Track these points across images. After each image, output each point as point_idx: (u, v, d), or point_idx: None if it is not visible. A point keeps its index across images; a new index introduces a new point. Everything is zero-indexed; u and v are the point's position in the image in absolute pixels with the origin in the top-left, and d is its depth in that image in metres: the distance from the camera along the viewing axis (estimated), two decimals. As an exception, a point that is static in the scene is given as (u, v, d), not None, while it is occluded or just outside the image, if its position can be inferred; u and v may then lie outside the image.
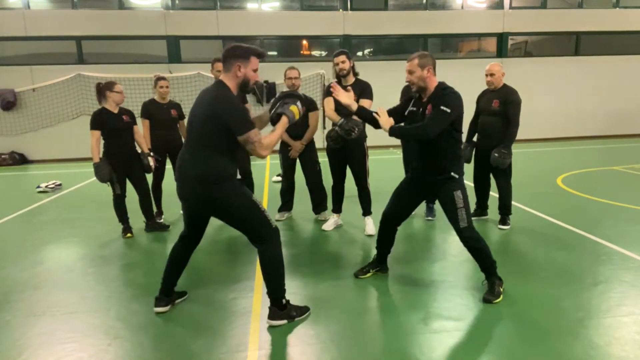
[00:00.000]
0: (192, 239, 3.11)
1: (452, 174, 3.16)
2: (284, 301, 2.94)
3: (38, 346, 2.75)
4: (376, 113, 3.26)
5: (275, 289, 2.92)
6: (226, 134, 2.67)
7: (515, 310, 3.07)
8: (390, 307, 3.22)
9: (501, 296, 3.18)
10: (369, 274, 3.67)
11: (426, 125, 3.04)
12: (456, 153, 3.21)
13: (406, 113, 3.33)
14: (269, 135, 2.81)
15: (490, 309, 3.10)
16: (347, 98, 3.32)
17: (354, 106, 3.33)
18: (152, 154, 5.05)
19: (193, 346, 2.72)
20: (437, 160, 3.18)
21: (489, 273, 3.24)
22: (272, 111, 3.01)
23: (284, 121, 2.91)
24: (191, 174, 2.75)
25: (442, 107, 3.01)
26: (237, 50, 2.75)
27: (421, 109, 3.19)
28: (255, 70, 2.80)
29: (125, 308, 3.23)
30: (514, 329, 2.83)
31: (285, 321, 2.92)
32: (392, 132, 3.17)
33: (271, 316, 2.92)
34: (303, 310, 3.03)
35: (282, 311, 2.93)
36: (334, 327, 2.90)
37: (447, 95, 3.08)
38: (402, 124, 3.37)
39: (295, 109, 2.96)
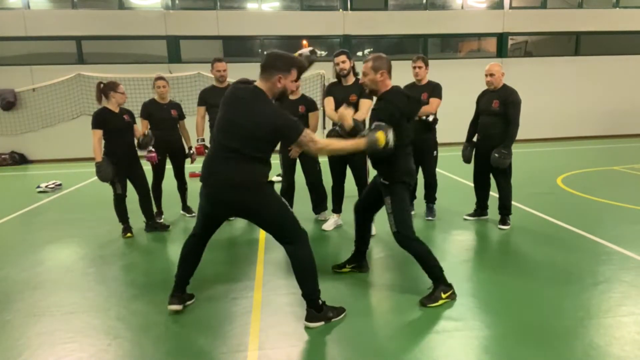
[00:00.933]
0: (204, 237, 3.11)
1: (382, 180, 3.24)
2: (320, 302, 2.92)
3: (38, 346, 2.75)
4: (341, 126, 3.37)
5: (310, 290, 2.90)
6: (273, 142, 2.76)
7: (515, 310, 3.07)
8: (390, 307, 3.22)
9: (440, 302, 3.12)
10: (345, 269, 3.74)
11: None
12: (390, 160, 3.15)
13: (370, 113, 3.38)
14: (334, 141, 2.99)
15: (490, 309, 3.10)
16: (347, 119, 3.33)
17: (351, 126, 3.36)
18: (152, 148, 5.05)
19: (193, 346, 2.72)
20: (374, 163, 3.29)
21: (433, 278, 3.21)
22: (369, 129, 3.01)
23: (360, 142, 2.91)
24: (233, 181, 2.72)
25: (377, 123, 3.01)
26: (280, 61, 2.74)
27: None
28: (294, 82, 2.82)
29: (125, 308, 3.23)
30: (514, 329, 2.83)
31: (322, 322, 2.90)
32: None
33: (308, 318, 2.90)
34: (340, 311, 3.02)
35: (319, 313, 2.91)
36: (334, 327, 2.90)
37: (388, 100, 3.13)
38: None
39: (381, 135, 2.88)
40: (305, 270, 2.88)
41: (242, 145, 2.69)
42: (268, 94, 2.74)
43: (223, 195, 2.78)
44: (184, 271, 3.14)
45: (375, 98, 3.34)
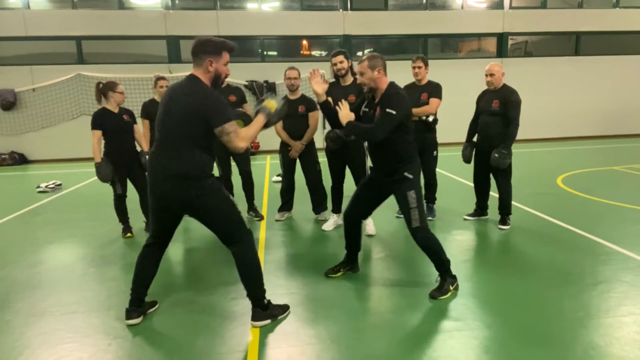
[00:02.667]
0: (160, 245, 2.99)
1: (406, 174, 3.21)
2: (265, 301, 2.94)
3: (38, 346, 2.75)
4: (338, 106, 3.28)
5: (255, 290, 2.91)
6: (205, 128, 2.63)
7: (515, 310, 3.07)
8: (390, 307, 3.21)
9: (449, 294, 3.24)
10: (339, 273, 3.71)
11: (374, 127, 3.10)
12: (408, 154, 3.24)
13: (360, 113, 3.37)
14: (246, 128, 2.78)
15: (490, 309, 3.10)
16: (318, 86, 3.32)
17: (322, 98, 3.34)
18: None
19: (193, 346, 2.71)
20: (390, 162, 3.25)
21: (441, 271, 3.31)
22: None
23: (259, 117, 2.85)
24: (170, 171, 2.66)
25: (387, 110, 3.07)
26: (207, 45, 2.72)
27: (372, 111, 3.24)
28: (226, 64, 2.78)
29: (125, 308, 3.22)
30: (514, 329, 2.83)
31: (269, 321, 2.92)
32: (347, 127, 3.19)
33: (254, 317, 2.90)
34: (284, 308, 3.05)
35: (265, 311, 2.92)
36: (334, 327, 2.90)
37: (392, 97, 3.14)
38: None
39: (270, 102, 2.89)
40: (249, 273, 2.87)
41: (175, 133, 2.66)
42: (203, 79, 2.71)
43: (162, 188, 2.72)
44: (141, 284, 3.00)
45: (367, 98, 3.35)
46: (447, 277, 3.30)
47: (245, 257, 2.85)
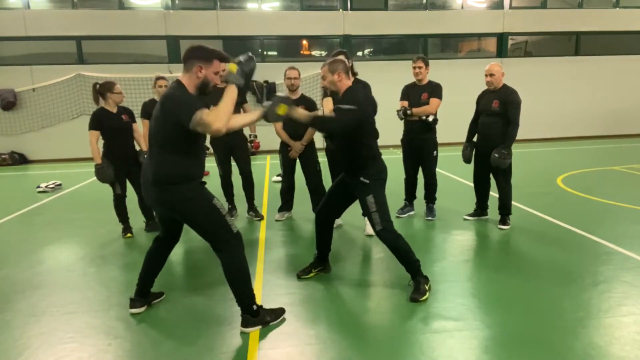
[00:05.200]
0: (168, 241, 3.09)
1: (362, 179, 3.24)
2: (254, 307, 2.86)
3: (38, 346, 2.75)
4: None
5: (242, 297, 2.85)
6: (181, 132, 2.59)
7: (515, 310, 3.07)
8: (390, 307, 3.21)
9: (427, 294, 3.24)
10: (311, 274, 3.70)
11: (333, 121, 3.13)
12: (364, 158, 3.25)
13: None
14: (215, 107, 2.58)
15: (490, 309, 3.10)
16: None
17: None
18: None
19: (193, 346, 2.72)
20: (351, 163, 3.29)
21: (412, 272, 3.31)
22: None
23: (229, 88, 2.65)
24: (153, 175, 2.69)
25: (343, 106, 3.10)
26: (200, 51, 2.71)
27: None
28: (216, 74, 2.74)
29: (125, 308, 3.22)
30: (514, 328, 2.83)
31: (259, 327, 2.87)
32: (310, 122, 3.15)
33: (243, 324, 2.86)
34: (278, 314, 2.98)
35: (255, 318, 2.86)
36: (334, 327, 2.90)
37: (348, 94, 3.19)
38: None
39: (232, 65, 2.72)
40: (237, 278, 2.83)
41: (157, 136, 2.68)
42: (187, 85, 2.69)
43: (149, 192, 2.77)
44: (147, 276, 3.13)
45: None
46: (419, 278, 3.29)
47: (231, 264, 2.81)
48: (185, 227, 2.96)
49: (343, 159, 3.37)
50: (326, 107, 4.62)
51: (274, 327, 2.90)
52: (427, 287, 3.27)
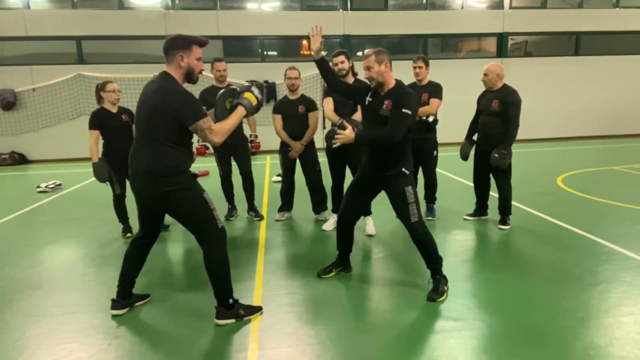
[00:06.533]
0: (147, 239, 3.08)
1: (403, 169, 3.23)
2: (230, 301, 2.94)
3: (38, 346, 2.75)
4: (340, 126, 3.36)
5: (220, 290, 2.93)
6: (174, 125, 2.65)
7: (515, 310, 3.07)
8: (390, 307, 3.21)
9: (445, 295, 3.24)
10: (332, 273, 3.71)
11: (393, 130, 3.07)
12: (405, 151, 3.26)
13: (366, 103, 3.33)
14: (223, 122, 2.80)
15: (490, 309, 3.10)
16: (317, 43, 3.38)
17: (319, 55, 3.40)
18: None
19: (193, 346, 2.72)
20: (387, 158, 3.26)
21: (434, 270, 3.31)
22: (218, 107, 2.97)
23: (239, 110, 2.88)
24: (142, 167, 2.72)
25: (403, 110, 3.06)
26: (177, 40, 2.74)
27: (378, 102, 3.23)
28: (199, 59, 2.80)
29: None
30: (514, 329, 2.83)
31: (233, 320, 2.94)
32: (359, 139, 3.16)
33: (217, 316, 2.94)
34: (253, 310, 3.05)
35: (228, 310, 2.93)
36: (334, 327, 2.90)
37: (405, 97, 3.13)
38: (361, 126, 3.51)
39: (250, 95, 2.93)
40: (217, 271, 2.90)
41: (147, 130, 2.70)
42: (175, 76, 2.73)
43: (138, 183, 2.78)
44: (127, 277, 3.13)
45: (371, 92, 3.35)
46: (440, 278, 3.30)
47: (211, 255, 2.87)
48: (185, 227, 2.96)
49: (377, 154, 3.28)
50: (326, 107, 4.62)
51: (274, 327, 2.90)
52: (445, 288, 3.27)
